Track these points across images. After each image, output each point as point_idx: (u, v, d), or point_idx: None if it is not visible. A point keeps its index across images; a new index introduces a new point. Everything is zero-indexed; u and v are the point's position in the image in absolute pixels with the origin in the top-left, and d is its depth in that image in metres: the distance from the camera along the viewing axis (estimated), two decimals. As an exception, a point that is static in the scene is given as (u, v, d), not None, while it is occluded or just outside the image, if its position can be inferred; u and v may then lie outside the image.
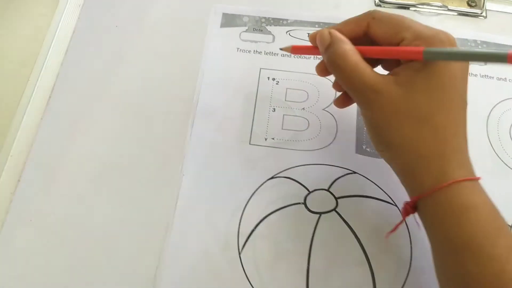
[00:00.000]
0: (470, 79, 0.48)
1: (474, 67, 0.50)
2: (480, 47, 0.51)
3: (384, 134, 0.35)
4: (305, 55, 0.49)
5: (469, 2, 0.54)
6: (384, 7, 0.54)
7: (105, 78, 0.48)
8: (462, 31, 0.52)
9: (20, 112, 0.46)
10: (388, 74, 0.35)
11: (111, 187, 0.43)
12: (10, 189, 0.43)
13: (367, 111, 0.36)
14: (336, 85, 0.42)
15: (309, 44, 0.40)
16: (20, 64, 0.49)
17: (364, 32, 0.37)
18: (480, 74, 0.49)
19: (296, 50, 0.42)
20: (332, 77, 0.39)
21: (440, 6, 0.54)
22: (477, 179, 0.33)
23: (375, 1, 0.54)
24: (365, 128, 0.40)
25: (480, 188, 0.33)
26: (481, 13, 0.54)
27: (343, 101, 0.42)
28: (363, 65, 0.35)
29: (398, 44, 0.35)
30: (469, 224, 0.31)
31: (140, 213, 0.42)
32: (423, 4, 0.54)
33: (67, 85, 0.48)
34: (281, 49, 0.43)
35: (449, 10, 0.54)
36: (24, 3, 0.53)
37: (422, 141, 0.33)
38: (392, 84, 0.34)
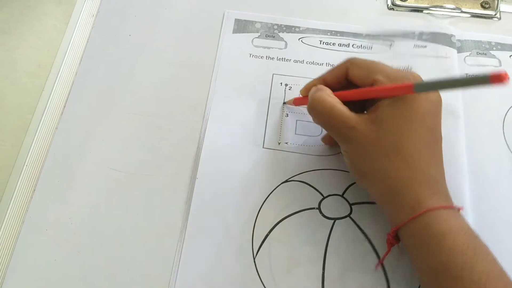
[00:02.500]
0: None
1: (490, 69, 0.49)
2: (494, 48, 0.50)
3: (360, 165, 0.38)
4: (317, 62, 0.50)
5: (483, 4, 0.54)
6: (397, 10, 0.53)
7: (118, 87, 0.49)
8: (476, 33, 0.51)
9: (35, 122, 0.47)
10: (363, 113, 0.38)
11: (125, 195, 0.43)
12: (25, 199, 0.43)
13: (345, 146, 0.39)
14: (325, 139, 0.45)
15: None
16: (34, 75, 0.50)
17: (345, 76, 0.41)
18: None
19: (296, 102, 0.46)
20: None
21: (453, 9, 0.53)
22: (453, 207, 0.35)
23: (387, 5, 0.54)
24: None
25: (457, 215, 0.35)
26: (495, 14, 0.53)
27: (329, 139, 0.45)
28: (340, 106, 0.38)
29: (372, 85, 0.38)
30: (447, 250, 0.32)
31: (154, 219, 0.42)
32: (436, 6, 0.53)
33: (81, 94, 0.48)
34: (285, 103, 0.47)
35: (462, 12, 0.53)
36: (38, 14, 0.54)
37: (395, 170, 0.35)
38: (366, 121, 0.37)
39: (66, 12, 0.54)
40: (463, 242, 0.32)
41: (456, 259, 0.32)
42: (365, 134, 0.36)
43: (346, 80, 0.41)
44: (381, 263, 0.39)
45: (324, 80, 0.42)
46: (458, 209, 0.35)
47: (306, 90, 0.43)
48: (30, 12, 0.54)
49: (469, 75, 0.30)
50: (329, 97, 0.39)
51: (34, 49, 0.52)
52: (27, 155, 0.45)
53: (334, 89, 0.41)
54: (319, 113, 0.39)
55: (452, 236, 0.32)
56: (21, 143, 0.46)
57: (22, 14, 0.54)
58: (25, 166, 0.44)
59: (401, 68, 0.39)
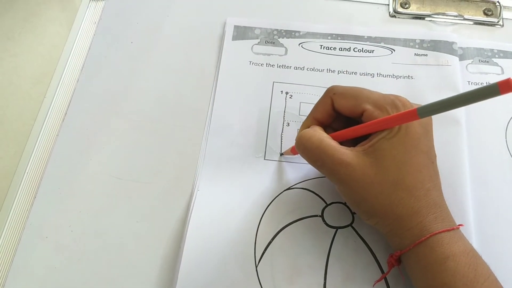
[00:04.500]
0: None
1: (492, 77, 0.49)
2: (497, 56, 0.50)
3: (364, 205, 0.36)
4: (318, 68, 0.49)
5: (486, 11, 0.54)
6: (399, 17, 0.53)
7: (120, 94, 0.49)
8: (479, 41, 0.51)
9: (37, 128, 0.47)
10: (355, 147, 0.37)
11: (126, 203, 0.43)
12: (26, 206, 0.43)
13: (341, 185, 0.37)
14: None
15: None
16: (36, 81, 0.50)
17: (332, 107, 0.39)
18: (497, 83, 0.48)
19: (294, 150, 0.43)
20: None
21: (456, 16, 0.53)
22: (455, 228, 0.35)
23: (389, 12, 0.54)
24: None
25: (459, 236, 0.35)
26: (498, 21, 0.53)
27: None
28: (328, 141, 0.37)
29: (361, 115, 0.37)
30: (449, 272, 0.32)
31: (155, 227, 0.42)
32: (438, 14, 0.53)
33: (83, 101, 0.49)
34: (281, 154, 0.45)
35: (465, 19, 0.53)
36: (40, 21, 0.54)
37: (398, 203, 0.35)
38: (361, 155, 0.36)
39: (70, 19, 0.54)
40: (465, 264, 0.33)
41: (457, 281, 0.32)
42: (362, 171, 0.35)
43: (335, 111, 0.39)
44: (379, 281, 0.39)
45: (314, 119, 0.40)
46: (458, 227, 0.35)
47: None
48: (33, 18, 0.55)
49: (473, 89, 0.28)
50: (315, 132, 0.38)
51: (37, 55, 0.52)
52: (28, 162, 0.45)
53: (327, 124, 0.40)
54: (307, 150, 0.38)
55: (454, 258, 0.33)
56: (22, 149, 0.46)
57: (26, 20, 0.55)
58: (26, 173, 0.45)
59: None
